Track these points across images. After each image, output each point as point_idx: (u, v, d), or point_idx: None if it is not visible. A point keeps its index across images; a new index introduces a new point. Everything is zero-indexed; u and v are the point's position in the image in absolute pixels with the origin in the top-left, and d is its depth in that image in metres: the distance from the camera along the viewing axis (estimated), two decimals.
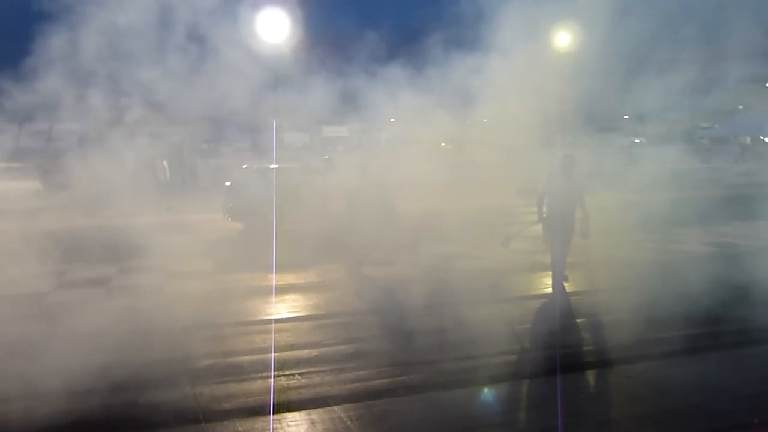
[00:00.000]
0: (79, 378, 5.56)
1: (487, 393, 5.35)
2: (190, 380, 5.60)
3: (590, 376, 5.73)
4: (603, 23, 11.83)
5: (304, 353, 6.33)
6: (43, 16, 8.63)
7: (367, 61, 11.53)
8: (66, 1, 8.68)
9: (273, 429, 4.69)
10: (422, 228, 13.13)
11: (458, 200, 15.87)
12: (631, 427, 4.72)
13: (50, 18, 8.69)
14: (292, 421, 4.83)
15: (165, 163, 20.48)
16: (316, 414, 4.94)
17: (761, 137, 29.58)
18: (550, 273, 9.63)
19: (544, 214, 8.94)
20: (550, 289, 9.17)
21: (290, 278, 9.71)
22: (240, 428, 4.68)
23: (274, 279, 9.54)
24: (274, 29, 11.37)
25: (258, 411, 4.98)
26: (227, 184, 14.58)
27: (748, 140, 29.24)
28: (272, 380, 5.62)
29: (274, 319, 7.62)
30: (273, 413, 4.94)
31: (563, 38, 14.44)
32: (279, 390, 5.39)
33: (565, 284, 8.79)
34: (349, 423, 4.75)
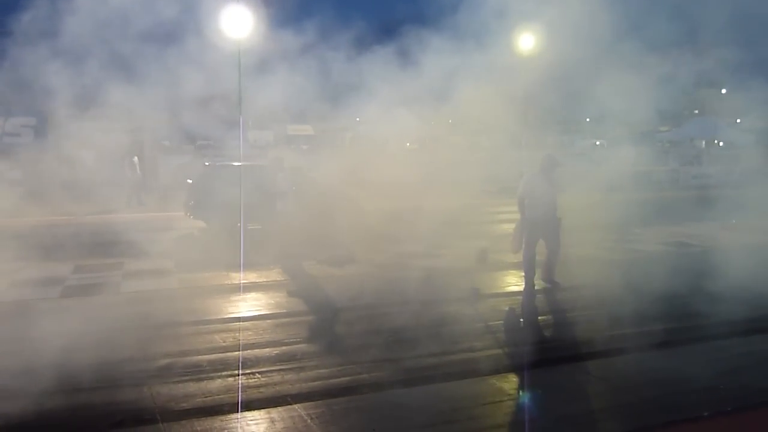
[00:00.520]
0: (33, 378, 5.41)
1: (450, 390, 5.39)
2: (147, 380, 5.49)
3: (549, 372, 5.80)
4: (565, 26, 12.04)
5: (265, 352, 6.27)
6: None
7: (334, 57, 11.48)
8: None
9: (232, 428, 4.64)
10: (387, 226, 13.16)
11: (424, 199, 15.94)
12: (589, 421, 4.81)
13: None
14: (251, 420, 4.77)
15: (135, 159, 20.05)
16: (276, 412, 4.90)
17: (716, 141, 30.51)
18: (511, 271, 9.81)
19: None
20: (511, 288, 9.30)
21: (252, 276, 9.62)
22: (198, 428, 4.61)
23: (241, 277, 9.46)
24: (239, 23, 11.26)
25: (217, 410, 4.92)
26: (189, 181, 14.36)
27: (704, 143, 30.13)
28: (232, 379, 5.56)
29: (235, 318, 7.53)
30: (232, 412, 4.88)
31: (526, 40, 14.63)
32: (239, 388, 5.33)
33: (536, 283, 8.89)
34: (309, 421, 4.73)
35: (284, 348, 6.40)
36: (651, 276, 9.19)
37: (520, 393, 5.28)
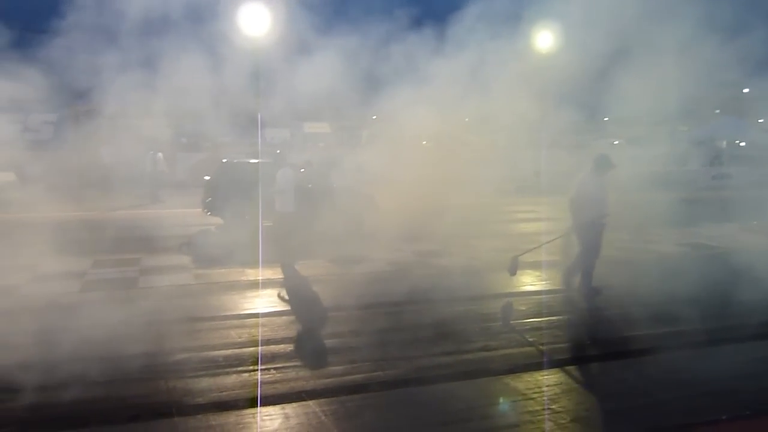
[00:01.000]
0: (51, 371, 5.50)
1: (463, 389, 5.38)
2: (163, 374, 5.56)
3: (565, 372, 5.78)
4: (584, 24, 11.95)
5: (280, 348, 6.31)
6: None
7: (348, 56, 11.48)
8: None
9: (247, 423, 4.67)
10: (403, 224, 13.16)
11: (440, 197, 15.92)
12: (604, 422, 4.78)
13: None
14: (266, 416, 4.81)
15: (159, 155, 20.26)
16: (290, 408, 4.93)
17: (736, 141, 30.07)
18: (526, 271, 9.78)
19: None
20: (525, 288, 9.26)
21: (268, 273, 9.68)
22: (213, 422, 4.65)
23: (260, 273, 9.51)
24: (257, 22, 11.33)
25: (232, 405, 4.96)
26: (206, 178, 14.47)
27: (724, 144, 29.70)
28: (247, 375, 5.61)
29: (251, 314, 7.59)
30: (247, 407, 4.92)
31: (544, 39, 14.55)
32: (253, 384, 5.38)
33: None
34: (323, 418, 4.75)
35: (299, 344, 6.44)
36: (668, 278, 9.09)
37: (535, 393, 5.25)
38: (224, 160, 14.93)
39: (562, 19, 12.74)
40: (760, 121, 27.98)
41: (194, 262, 10.49)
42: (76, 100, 10.36)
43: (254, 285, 9.02)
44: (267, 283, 9.13)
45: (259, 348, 6.27)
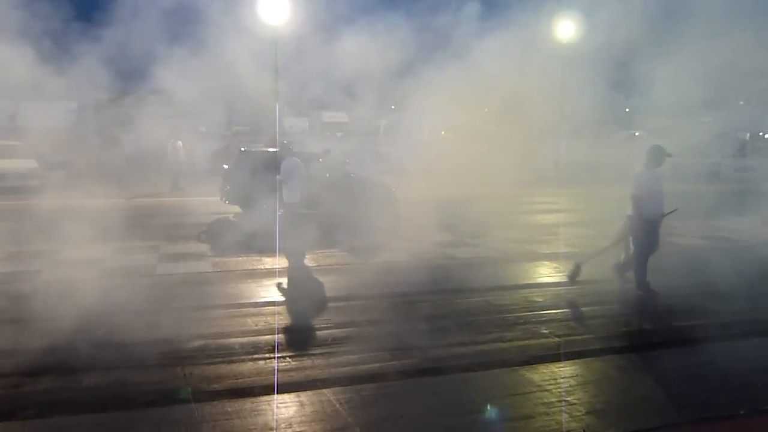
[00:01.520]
0: (70, 356, 5.60)
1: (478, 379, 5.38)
2: (181, 360, 5.62)
3: (580, 365, 5.74)
4: (606, 14, 11.79)
5: (296, 336, 6.35)
6: None
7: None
8: None
9: (262, 410, 4.71)
10: (422, 215, 13.14)
11: (460, 188, 15.88)
12: (618, 415, 4.74)
13: None
14: (281, 403, 4.84)
15: (179, 143, 20.39)
16: (305, 396, 4.96)
17: (761, 133, 29.51)
18: (544, 262, 9.72)
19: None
20: (543, 279, 9.21)
21: (285, 262, 9.72)
22: (229, 409, 4.70)
23: (278, 262, 9.55)
24: (276, 11, 11.33)
25: (248, 392, 5.00)
26: (225, 167, 14.54)
27: (748, 135, 29.16)
28: (263, 362, 5.65)
29: (268, 302, 7.64)
30: (262, 394, 4.96)
31: (565, 28, 14.38)
32: (269, 372, 5.41)
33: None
34: (338, 406, 4.77)
35: (315, 333, 6.47)
36: (689, 271, 8.99)
37: (550, 385, 5.23)
38: (243, 149, 14.99)
39: (585, 8, 12.58)
40: None
41: (212, 250, 10.58)
42: (97, 89, 10.43)
43: (271, 273, 9.07)
44: (284, 272, 9.17)
45: (276, 336, 6.32)
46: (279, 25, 11.64)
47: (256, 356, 5.79)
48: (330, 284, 8.59)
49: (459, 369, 5.57)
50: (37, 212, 13.82)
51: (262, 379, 5.28)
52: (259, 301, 7.77)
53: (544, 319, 7.09)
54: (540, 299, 7.91)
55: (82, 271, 8.92)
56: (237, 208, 13.60)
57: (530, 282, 9.02)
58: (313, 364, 5.64)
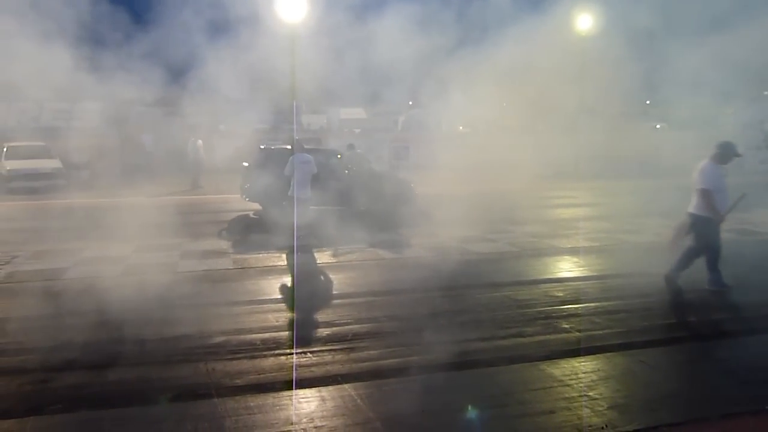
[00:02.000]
0: (95, 352, 5.70)
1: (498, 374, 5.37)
2: (203, 356, 5.68)
3: (602, 359, 5.70)
4: (627, 5, 11.65)
5: (317, 332, 6.39)
6: None
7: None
8: None
9: (284, 405, 4.75)
10: (440, 210, 13.14)
11: (478, 182, 15.84)
12: (641, 410, 4.70)
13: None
14: (303, 398, 4.88)
15: (199, 142, 20.59)
16: (326, 391, 4.99)
17: None
18: (564, 257, 9.64)
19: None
20: (562, 274, 9.15)
21: (305, 258, 9.77)
22: (251, 404, 4.74)
23: (296, 258, 9.61)
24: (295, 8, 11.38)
25: (269, 387, 5.04)
26: (245, 164, 14.66)
27: None
28: (284, 358, 5.69)
29: (287, 298, 7.68)
30: (284, 390, 5.00)
31: (586, 20, 14.24)
32: (291, 367, 5.45)
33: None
34: (359, 401, 4.80)
35: (335, 329, 6.50)
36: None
37: (571, 380, 5.20)
38: (262, 147, 15.08)
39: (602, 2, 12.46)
40: None
41: (233, 247, 10.67)
42: (120, 90, 10.57)
43: (292, 270, 9.12)
44: (304, 269, 9.22)
45: (296, 331, 6.36)
46: (296, 22, 11.70)
47: (277, 352, 5.83)
48: (350, 280, 8.62)
49: (480, 364, 5.57)
50: (61, 211, 14.05)
51: (284, 374, 5.32)
52: (279, 297, 7.83)
53: (564, 313, 7.05)
54: (560, 294, 7.86)
55: (105, 269, 9.06)
56: (257, 206, 13.70)
57: (550, 277, 8.97)
58: (334, 360, 5.67)
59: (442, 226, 12.28)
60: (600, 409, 4.69)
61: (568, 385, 5.09)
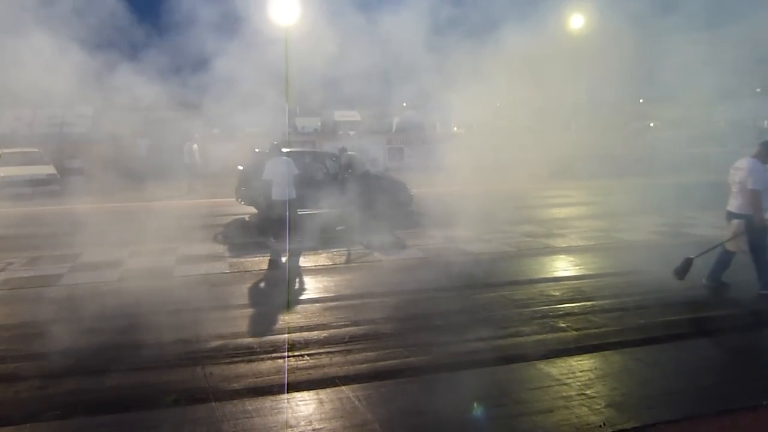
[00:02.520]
0: (92, 358, 5.68)
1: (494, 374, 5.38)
2: (200, 360, 5.67)
3: (599, 358, 5.72)
4: (614, 5, 11.70)
5: (314, 334, 6.38)
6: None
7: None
8: None
9: (281, 408, 4.75)
10: (435, 211, 13.16)
11: (474, 183, 15.85)
12: (639, 408, 4.71)
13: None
14: (300, 401, 4.88)
15: (195, 146, 20.56)
16: (324, 394, 4.99)
17: None
18: (560, 256, 9.66)
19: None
20: (558, 273, 9.16)
21: (302, 261, 9.78)
22: (249, 407, 4.74)
23: (287, 262, 9.62)
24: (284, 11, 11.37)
25: (267, 391, 5.04)
26: (240, 168, 14.64)
27: (766, 124, 28.79)
28: (282, 361, 5.68)
29: (285, 301, 7.67)
30: (281, 393, 5.00)
31: (576, 21, 14.29)
32: (288, 370, 5.45)
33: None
34: (356, 403, 4.80)
35: (332, 331, 6.49)
36: (703, 262, 8.91)
37: (569, 378, 5.22)
38: (257, 150, 15.07)
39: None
40: None
41: (228, 251, 10.65)
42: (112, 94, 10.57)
43: (288, 273, 9.11)
44: (300, 271, 9.22)
45: (293, 335, 6.36)
46: (289, 25, 11.69)
47: (274, 355, 5.83)
48: (347, 282, 8.62)
49: (477, 364, 5.57)
50: (56, 217, 14.02)
51: (281, 377, 5.31)
52: (277, 300, 7.81)
53: (561, 312, 7.06)
54: (557, 293, 7.88)
55: (101, 274, 9.04)
56: (252, 209, 13.69)
57: (547, 276, 8.99)
58: (331, 362, 5.67)
59: (438, 227, 12.30)
60: (597, 407, 4.71)
61: (566, 384, 5.10)
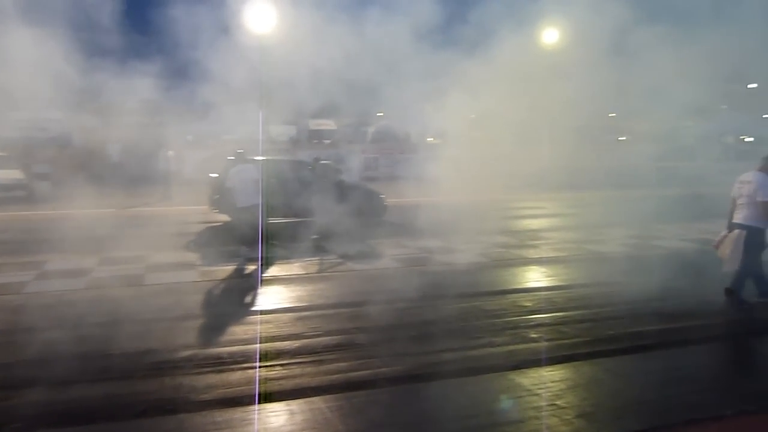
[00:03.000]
0: (58, 368, 5.54)
1: (468, 385, 5.39)
2: (169, 371, 5.58)
3: (570, 368, 5.77)
4: (588, 21, 11.91)
5: (285, 345, 6.32)
6: None
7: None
8: None
9: (252, 419, 4.69)
10: (408, 221, 13.18)
11: (446, 194, 15.92)
12: (608, 418, 4.76)
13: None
14: (271, 412, 4.82)
15: (170, 153, 20.32)
16: (295, 405, 4.94)
17: (742, 137, 29.95)
18: (532, 267, 9.72)
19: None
20: (530, 284, 9.24)
21: (274, 270, 9.70)
22: (218, 419, 4.67)
23: (259, 271, 9.55)
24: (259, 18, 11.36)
25: (237, 401, 4.97)
26: (213, 175, 14.50)
27: (731, 139, 29.58)
28: (252, 371, 5.62)
29: (256, 311, 7.60)
30: (252, 404, 4.93)
31: (550, 35, 14.50)
32: (259, 380, 5.39)
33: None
34: (328, 414, 4.76)
35: (304, 341, 6.45)
36: (672, 273, 9.08)
37: (540, 389, 5.25)
38: (230, 158, 14.95)
39: (565, 14, 12.70)
40: (765, 116, 27.84)
41: (200, 259, 10.53)
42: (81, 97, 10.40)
43: (261, 282, 9.04)
44: (273, 280, 9.15)
45: (264, 344, 6.29)
46: (263, 32, 11.66)
47: (245, 365, 5.76)
48: (320, 291, 8.57)
49: (449, 375, 5.57)
50: (23, 223, 13.72)
51: (252, 388, 5.25)
52: (248, 309, 7.74)
53: (532, 323, 7.12)
54: (529, 304, 7.94)
55: (68, 282, 8.85)
56: (226, 217, 13.56)
57: (519, 287, 9.05)
58: (303, 372, 5.62)
59: (412, 237, 12.32)
60: (568, 417, 4.74)
61: (537, 395, 5.13)
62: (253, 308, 7.76)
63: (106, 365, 5.65)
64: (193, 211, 15.91)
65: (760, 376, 5.86)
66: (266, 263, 9.93)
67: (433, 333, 6.68)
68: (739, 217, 7.79)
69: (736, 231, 7.72)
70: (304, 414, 4.78)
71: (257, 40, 11.70)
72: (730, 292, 7.76)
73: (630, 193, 17.37)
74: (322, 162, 15.00)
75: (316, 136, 29.97)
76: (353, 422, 4.64)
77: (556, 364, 5.84)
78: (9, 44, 8.37)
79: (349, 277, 9.53)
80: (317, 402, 4.97)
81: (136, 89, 10.68)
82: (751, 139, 29.40)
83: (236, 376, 5.52)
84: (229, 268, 9.76)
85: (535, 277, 9.64)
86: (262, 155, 14.31)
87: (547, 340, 6.52)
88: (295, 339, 6.52)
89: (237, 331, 6.80)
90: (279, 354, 6.05)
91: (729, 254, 7.69)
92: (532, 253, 11.36)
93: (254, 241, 10.00)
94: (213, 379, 5.45)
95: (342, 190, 13.77)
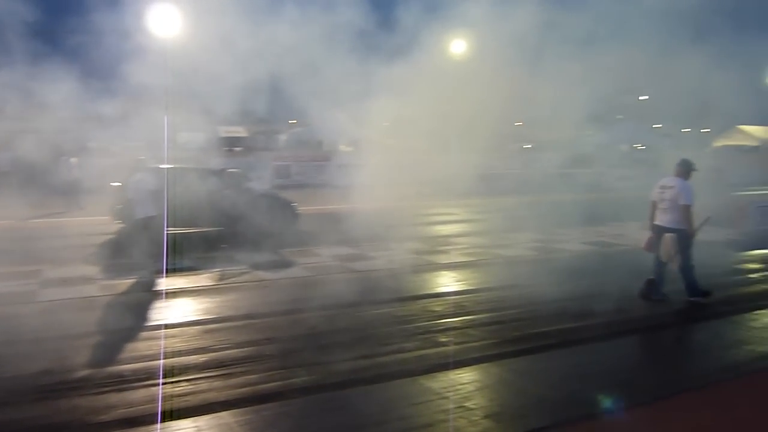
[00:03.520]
0: None
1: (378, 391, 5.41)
2: (65, 392, 5.25)
3: (478, 370, 5.91)
4: (495, 33, 12.33)
5: (191, 359, 6.11)
6: None
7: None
8: None
9: None
10: (320, 229, 13.11)
11: (358, 201, 15.97)
12: (513, 417, 4.91)
13: None
14: (176, 430, 4.64)
15: (73, 160, 19.15)
16: (203, 421, 4.78)
17: (634, 145, 32.13)
18: (443, 272, 9.90)
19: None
20: (441, 288, 9.42)
21: (181, 282, 9.37)
22: None
23: (163, 283, 9.20)
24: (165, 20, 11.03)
25: (139, 421, 4.75)
26: (115, 184, 13.84)
27: (626, 147, 31.56)
28: (156, 388, 5.39)
29: (160, 325, 7.30)
30: (155, 422, 4.73)
31: (458, 45, 14.89)
32: (163, 397, 5.17)
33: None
34: (237, 429, 4.64)
35: (211, 354, 6.26)
36: (572, 274, 9.53)
37: (449, 392, 5.34)
38: (133, 166, 14.33)
39: (474, 25, 13.10)
40: (655, 126, 29.95)
41: (100, 273, 10.01)
42: None
43: (166, 294, 8.70)
44: (179, 293, 8.84)
45: (169, 360, 6.05)
46: (169, 35, 11.31)
47: (148, 382, 5.51)
48: (229, 302, 8.36)
49: (360, 382, 5.58)
50: None
51: (156, 406, 5.03)
52: (151, 324, 7.42)
53: (442, 327, 7.25)
54: (439, 308, 8.08)
55: None
56: (129, 228, 12.97)
57: (429, 292, 9.20)
58: (211, 387, 5.45)
59: (324, 245, 12.25)
60: (476, 418, 4.85)
61: (446, 398, 5.22)
62: (158, 322, 7.44)
63: None
64: (96, 221, 15.12)
65: (655, 370, 6.22)
66: (171, 275, 9.56)
67: (344, 341, 6.66)
68: (664, 221, 8.23)
69: (667, 236, 8.16)
70: (211, 430, 4.64)
71: (165, 43, 11.32)
72: (651, 282, 8.30)
73: (535, 199, 18.09)
74: (230, 170, 14.69)
75: (227, 143, 29.28)
76: None
77: (464, 366, 5.96)
78: None
79: (259, 287, 9.35)
80: (225, 417, 4.83)
81: (36, 93, 10.10)
82: (643, 147, 31.47)
83: (139, 394, 5.28)
84: (130, 282, 9.33)
85: (445, 282, 9.84)
86: (167, 163, 13.82)
87: (457, 344, 6.66)
88: (203, 353, 6.32)
89: (140, 347, 6.50)
90: (185, 369, 5.84)
91: (673, 255, 8.14)
92: (443, 259, 11.58)
93: (157, 253, 9.60)
94: (113, 398, 5.19)
95: (251, 199, 13.51)
